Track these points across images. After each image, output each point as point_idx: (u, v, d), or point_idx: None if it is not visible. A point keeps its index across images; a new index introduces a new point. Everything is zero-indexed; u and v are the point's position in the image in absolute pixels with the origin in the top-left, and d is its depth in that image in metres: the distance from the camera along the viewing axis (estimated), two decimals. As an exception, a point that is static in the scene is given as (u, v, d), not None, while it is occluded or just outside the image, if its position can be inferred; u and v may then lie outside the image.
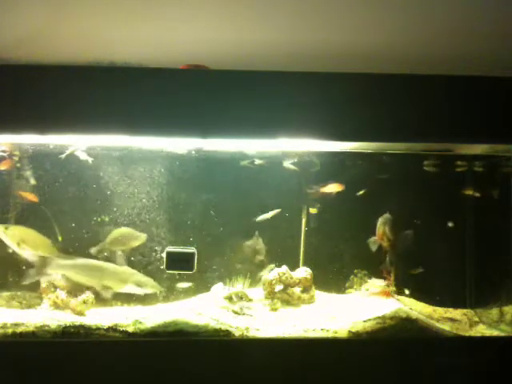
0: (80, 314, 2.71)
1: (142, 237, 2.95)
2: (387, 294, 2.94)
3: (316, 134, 2.46)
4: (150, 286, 2.85)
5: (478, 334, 2.70)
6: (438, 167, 3.09)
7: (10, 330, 2.37)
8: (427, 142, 2.57)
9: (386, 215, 3.09)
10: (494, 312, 2.90)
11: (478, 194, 3.12)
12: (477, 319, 2.88)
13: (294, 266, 3.12)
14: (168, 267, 2.71)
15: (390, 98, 2.48)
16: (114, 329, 2.42)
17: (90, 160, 2.87)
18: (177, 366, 2.33)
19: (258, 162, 3.03)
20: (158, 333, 2.42)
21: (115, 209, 2.99)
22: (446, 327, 2.70)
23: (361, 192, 3.10)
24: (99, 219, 2.98)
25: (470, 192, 3.13)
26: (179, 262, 2.71)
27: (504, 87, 2.51)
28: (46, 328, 2.40)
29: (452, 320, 2.89)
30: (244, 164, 3.04)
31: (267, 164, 3.05)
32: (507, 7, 2.56)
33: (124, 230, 2.97)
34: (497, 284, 2.98)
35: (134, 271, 2.87)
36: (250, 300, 2.90)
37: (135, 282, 2.83)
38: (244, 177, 3.08)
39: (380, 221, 3.09)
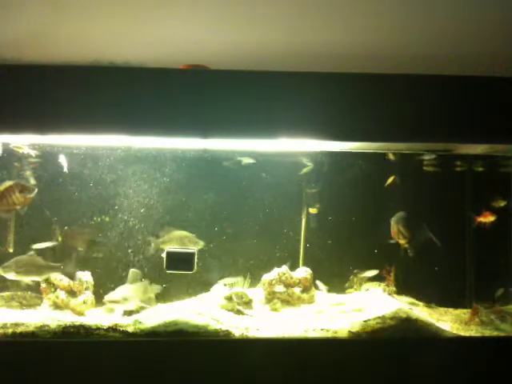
0: (80, 313, 2.72)
1: (200, 243, 2.98)
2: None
3: (316, 133, 2.46)
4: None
5: (478, 334, 2.70)
6: (437, 167, 3.09)
7: (9, 330, 2.37)
8: (427, 141, 2.57)
9: (399, 213, 3.04)
10: (494, 312, 2.90)
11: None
12: (477, 319, 2.87)
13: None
14: (168, 267, 2.70)
15: (390, 98, 2.48)
16: (114, 329, 2.42)
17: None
18: (177, 366, 2.33)
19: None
20: (158, 333, 2.42)
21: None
22: (445, 327, 2.70)
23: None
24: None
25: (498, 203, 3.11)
26: (179, 262, 2.70)
27: (504, 87, 2.51)
28: (46, 328, 2.39)
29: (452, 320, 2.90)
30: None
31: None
32: (507, 7, 2.56)
33: (184, 233, 2.98)
34: (497, 284, 2.99)
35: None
36: (250, 300, 2.89)
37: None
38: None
39: (393, 219, 3.05)
